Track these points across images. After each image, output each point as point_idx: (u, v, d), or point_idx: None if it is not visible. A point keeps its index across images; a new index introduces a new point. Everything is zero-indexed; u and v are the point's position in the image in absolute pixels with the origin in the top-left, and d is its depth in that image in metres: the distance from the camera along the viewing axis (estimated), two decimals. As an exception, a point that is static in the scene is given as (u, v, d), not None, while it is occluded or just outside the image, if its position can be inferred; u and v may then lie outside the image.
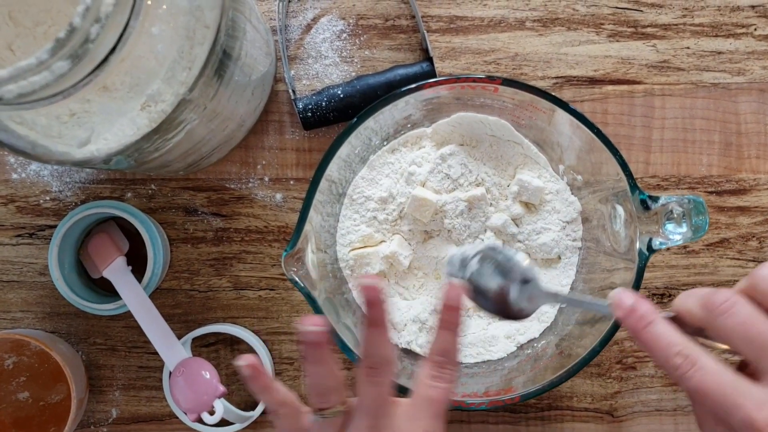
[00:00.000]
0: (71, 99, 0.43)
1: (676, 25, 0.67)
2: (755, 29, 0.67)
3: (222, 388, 0.60)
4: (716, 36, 0.67)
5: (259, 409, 0.65)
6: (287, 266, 0.52)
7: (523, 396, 0.53)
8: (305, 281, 0.52)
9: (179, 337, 0.65)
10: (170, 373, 0.63)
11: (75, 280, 0.66)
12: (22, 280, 0.68)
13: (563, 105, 0.54)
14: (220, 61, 0.49)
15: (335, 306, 0.58)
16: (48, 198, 0.68)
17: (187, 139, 0.53)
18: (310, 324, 0.42)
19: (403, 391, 0.54)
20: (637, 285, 0.53)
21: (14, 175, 0.68)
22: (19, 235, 0.68)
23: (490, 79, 0.53)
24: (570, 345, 0.59)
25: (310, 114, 0.64)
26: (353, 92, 0.64)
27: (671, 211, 0.51)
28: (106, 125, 0.45)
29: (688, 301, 0.41)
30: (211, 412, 0.60)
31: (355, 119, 0.54)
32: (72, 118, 0.47)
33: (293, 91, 0.65)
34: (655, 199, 0.52)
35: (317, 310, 0.53)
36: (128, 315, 0.66)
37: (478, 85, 0.54)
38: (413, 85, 0.54)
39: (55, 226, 0.67)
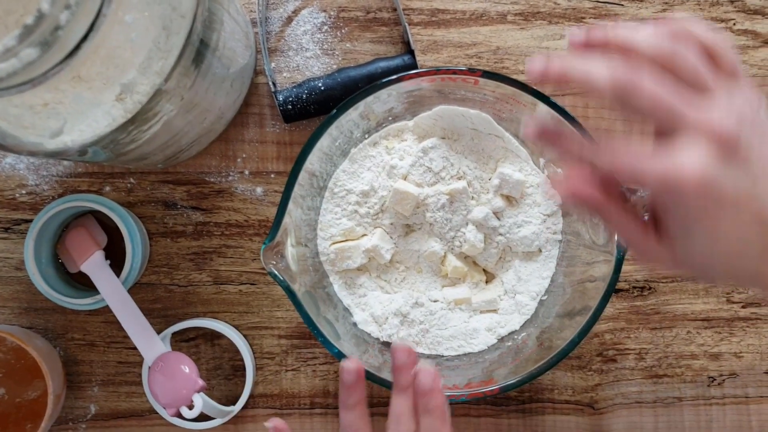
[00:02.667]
0: (44, 88, 0.43)
1: (656, 19, 0.67)
2: (734, 24, 0.67)
3: (201, 382, 0.60)
4: (696, 30, 0.67)
5: (240, 403, 0.65)
6: (266, 259, 0.52)
7: (503, 387, 0.53)
8: (284, 274, 0.52)
9: (158, 332, 0.64)
10: (149, 368, 0.63)
11: (52, 275, 0.65)
12: (-1, 275, 0.67)
13: (544, 98, 0.54)
14: (197, 51, 0.48)
15: (315, 299, 0.57)
16: (24, 192, 0.67)
17: (164, 131, 0.52)
18: (350, 366, 0.48)
19: (385, 386, 0.53)
20: (615, 277, 0.53)
21: (-10, 169, 0.67)
22: (-5, 230, 0.67)
23: (471, 71, 0.53)
24: (550, 337, 0.59)
25: (290, 107, 0.64)
26: (334, 85, 0.64)
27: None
28: (80, 116, 0.45)
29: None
30: (190, 407, 0.60)
31: (335, 111, 0.54)
32: (45, 108, 0.46)
33: (273, 84, 0.65)
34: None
35: (296, 303, 0.52)
36: (107, 310, 0.65)
37: (459, 77, 0.54)
38: (393, 77, 0.53)
39: (31, 221, 0.66)
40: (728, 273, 0.41)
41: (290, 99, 0.64)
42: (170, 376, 0.60)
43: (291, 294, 0.52)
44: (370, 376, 0.54)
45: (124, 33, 0.41)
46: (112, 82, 0.44)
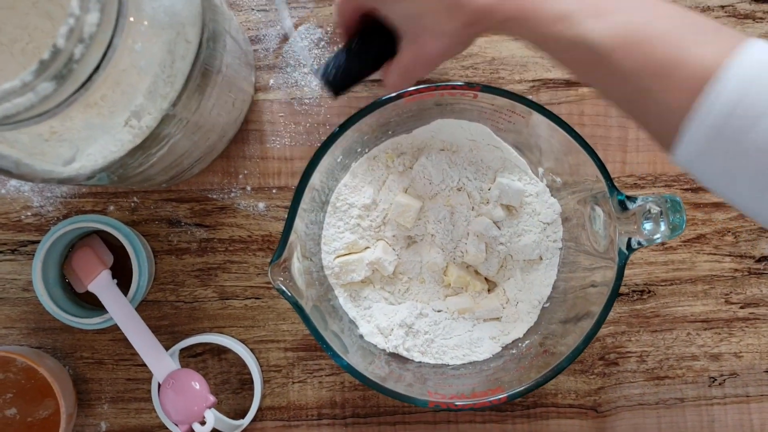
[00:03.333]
0: (53, 118, 0.43)
1: (648, 26, 0.68)
2: (725, 29, 0.69)
3: (212, 398, 0.61)
4: (687, 36, 0.68)
5: (249, 417, 0.65)
6: (274, 276, 0.53)
7: (510, 396, 0.54)
8: (292, 290, 0.53)
9: (166, 349, 0.65)
10: (159, 384, 0.63)
11: (60, 295, 0.66)
12: (6, 297, 0.68)
13: (540, 109, 0.55)
14: (202, 74, 0.49)
15: (323, 314, 0.58)
16: (29, 213, 0.68)
17: (170, 153, 0.53)
18: None
19: (391, 395, 0.54)
20: (617, 283, 0.54)
21: (-6, 192, 0.67)
22: (0, 252, 0.68)
23: (469, 86, 0.54)
24: (554, 343, 0.60)
25: (334, 72, 0.56)
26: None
27: (649, 211, 0.52)
28: (89, 142, 0.45)
29: None
30: (202, 423, 0.60)
31: (338, 129, 0.54)
32: (53, 135, 0.47)
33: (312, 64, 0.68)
34: (633, 200, 0.53)
35: (305, 319, 0.53)
36: (114, 328, 0.66)
37: (458, 92, 0.55)
38: (394, 94, 0.54)
39: (37, 242, 0.67)
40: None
41: (331, 68, 0.56)
42: (182, 393, 0.61)
43: (299, 309, 0.53)
44: (376, 386, 0.55)
45: (133, 60, 0.42)
46: (121, 108, 0.44)
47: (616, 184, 0.54)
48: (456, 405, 0.54)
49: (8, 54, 0.49)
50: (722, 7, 0.69)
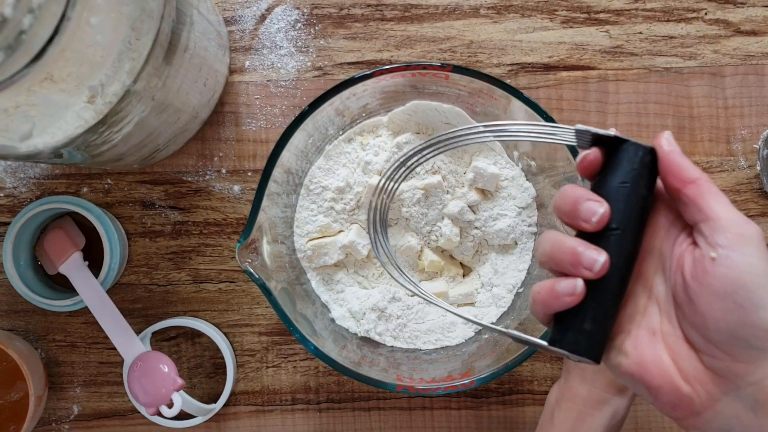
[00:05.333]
0: (14, 91, 0.43)
1: (628, 10, 0.68)
2: (706, 13, 0.68)
3: (180, 381, 0.60)
4: (668, 21, 0.68)
5: (221, 401, 0.65)
6: (241, 257, 0.52)
7: (479, 380, 0.54)
8: (260, 272, 0.52)
9: (139, 332, 0.64)
10: (129, 367, 0.63)
11: (31, 277, 0.65)
12: (-23, 278, 0.67)
13: (514, 92, 0.54)
14: (167, 51, 0.48)
15: (292, 296, 0.58)
16: (1, 194, 0.67)
17: (137, 131, 0.52)
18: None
19: (365, 381, 0.54)
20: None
21: (-34, 172, 0.67)
22: (-28, 233, 0.67)
23: (441, 66, 0.54)
24: (529, 328, 0.59)
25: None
26: None
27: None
28: (50, 118, 0.45)
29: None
30: (170, 406, 0.60)
31: (307, 107, 0.54)
32: (17, 110, 0.46)
33: None
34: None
35: (271, 301, 0.53)
36: (87, 311, 0.65)
37: (429, 72, 0.54)
38: (366, 72, 0.54)
39: (8, 223, 0.66)
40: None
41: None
42: (149, 376, 0.60)
43: (266, 291, 0.52)
44: (348, 372, 0.54)
45: (90, 35, 0.41)
46: (82, 84, 0.44)
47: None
48: (422, 389, 0.53)
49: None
50: (703, -9, 0.68)
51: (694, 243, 0.37)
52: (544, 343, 0.39)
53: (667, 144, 0.37)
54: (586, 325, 0.37)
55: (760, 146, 0.67)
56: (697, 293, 0.36)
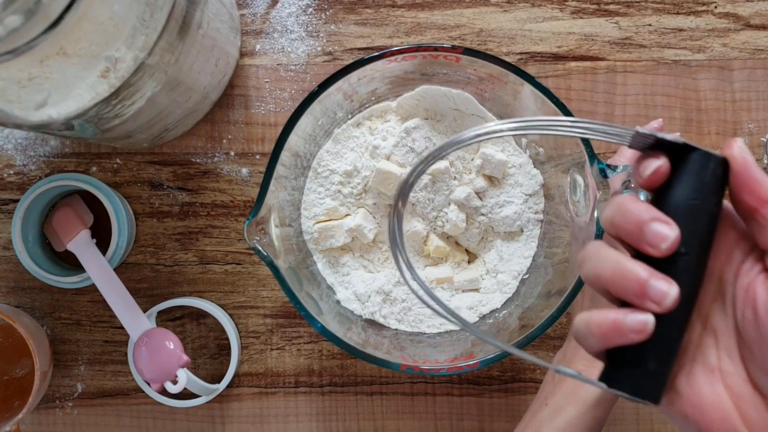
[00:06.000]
0: (29, 61, 0.43)
1: (638, 2, 0.68)
2: (715, 7, 0.68)
3: (185, 358, 0.61)
4: (677, 13, 0.68)
5: (225, 382, 0.65)
6: (250, 235, 0.52)
7: (482, 362, 0.54)
8: (268, 250, 0.53)
9: (144, 311, 0.65)
10: (134, 343, 0.63)
11: (39, 254, 0.65)
12: (-14, 255, 0.68)
13: (526, 76, 0.55)
14: (180, 27, 0.49)
15: (299, 276, 0.58)
16: (11, 172, 0.67)
17: (148, 107, 0.53)
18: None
19: (370, 361, 0.54)
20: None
21: (-23, 149, 0.67)
22: (-18, 209, 0.68)
23: (453, 48, 0.54)
24: (532, 317, 0.59)
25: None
26: None
27: (629, 180, 0.52)
28: (64, 89, 0.45)
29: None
30: (175, 382, 0.60)
31: (317, 88, 0.54)
32: (31, 82, 0.46)
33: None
34: (614, 168, 0.52)
35: (279, 278, 0.53)
36: (93, 289, 0.66)
37: (441, 54, 0.54)
38: (376, 54, 0.54)
39: (18, 201, 0.66)
40: None
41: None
42: (155, 352, 0.60)
43: (274, 269, 0.53)
44: (353, 351, 0.55)
45: (108, 5, 0.42)
46: (96, 56, 0.44)
47: (600, 158, 0.54)
48: (428, 369, 0.54)
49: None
50: (713, -16, 0.68)
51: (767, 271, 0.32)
52: (604, 385, 0.34)
53: (741, 155, 0.32)
54: (651, 364, 0.33)
55: (767, 140, 0.67)
56: None
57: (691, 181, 0.33)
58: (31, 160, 0.67)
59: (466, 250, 0.65)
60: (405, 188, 0.37)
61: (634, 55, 0.68)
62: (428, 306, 0.40)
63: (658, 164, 0.33)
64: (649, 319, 0.32)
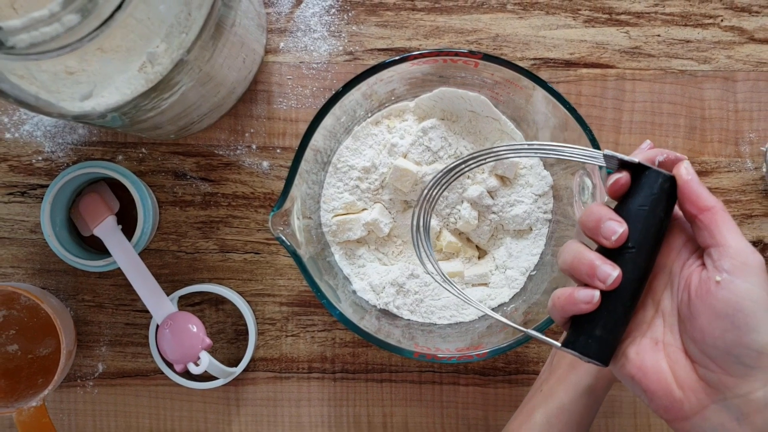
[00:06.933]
0: (72, 56, 0.46)
1: (648, 13, 0.71)
2: (722, 20, 0.71)
3: (208, 340, 0.63)
4: (685, 25, 0.71)
5: (242, 365, 0.68)
6: (274, 225, 0.55)
7: (491, 351, 0.57)
8: (291, 240, 0.55)
9: (167, 295, 0.67)
10: (157, 327, 0.66)
11: (66, 238, 0.68)
12: (13, 237, 0.70)
13: (540, 82, 0.57)
14: (216, 27, 0.51)
15: (318, 266, 0.61)
16: (40, 158, 0.70)
17: (180, 102, 0.55)
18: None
19: (383, 347, 0.57)
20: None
21: (7, 135, 0.70)
22: (11, 193, 0.70)
23: (472, 53, 0.57)
24: (537, 311, 0.62)
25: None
26: None
27: None
28: (106, 82, 0.48)
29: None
30: (196, 364, 0.63)
31: (341, 88, 0.57)
32: (70, 75, 0.49)
33: None
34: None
35: (301, 266, 0.56)
36: (116, 273, 0.68)
37: (460, 59, 0.57)
38: (397, 57, 0.56)
39: (46, 186, 0.69)
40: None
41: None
42: (179, 335, 0.63)
43: (297, 257, 0.55)
44: (369, 337, 0.57)
45: (151, 6, 0.44)
46: (136, 52, 0.47)
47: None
48: (439, 357, 0.56)
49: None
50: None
51: (703, 265, 0.41)
52: (558, 344, 0.44)
53: (685, 173, 0.41)
54: (598, 331, 0.42)
55: (767, 149, 0.70)
56: (700, 311, 0.40)
57: (642, 193, 0.42)
58: (59, 147, 0.70)
59: (477, 246, 0.68)
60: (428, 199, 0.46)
61: (643, 63, 0.71)
62: (456, 296, 0.47)
63: (618, 177, 0.42)
64: (595, 294, 0.41)
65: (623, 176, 0.42)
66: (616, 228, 0.41)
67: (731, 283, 0.39)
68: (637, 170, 0.42)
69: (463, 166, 0.49)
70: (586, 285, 0.42)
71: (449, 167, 0.48)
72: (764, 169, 0.70)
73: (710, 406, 0.40)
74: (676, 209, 0.43)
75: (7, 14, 0.49)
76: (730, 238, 0.40)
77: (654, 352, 0.42)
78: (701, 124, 0.71)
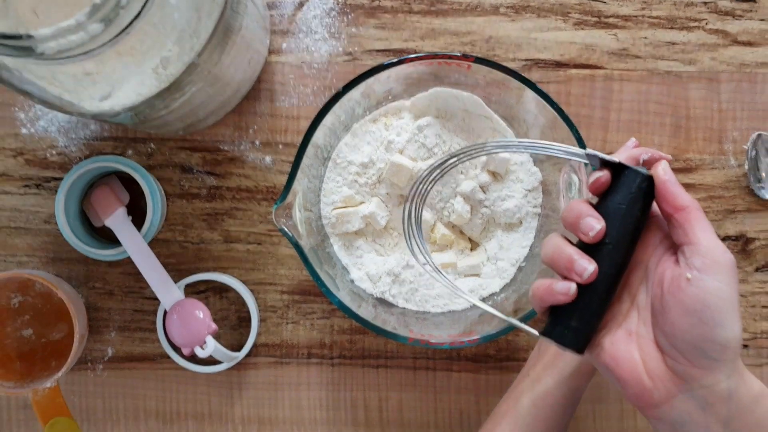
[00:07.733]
0: (92, 59, 0.49)
1: (635, 16, 0.74)
2: (706, 23, 0.74)
3: (214, 326, 0.67)
4: (671, 28, 0.74)
5: (245, 350, 0.72)
6: (277, 218, 0.58)
7: (483, 337, 0.60)
8: (293, 231, 0.59)
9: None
10: (165, 313, 0.70)
11: (78, 228, 0.71)
12: (29, 227, 0.74)
13: (529, 84, 0.61)
14: (224, 32, 0.55)
15: (318, 256, 0.64)
16: (54, 152, 0.73)
17: (189, 101, 0.59)
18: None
19: (380, 333, 0.60)
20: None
21: (23, 130, 0.73)
22: (26, 186, 0.73)
23: (465, 57, 0.60)
24: (526, 301, 0.65)
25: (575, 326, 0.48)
26: None
27: None
28: (122, 83, 0.51)
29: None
30: (203, 348, 0.67)
31: (341, 89, 0.60)
32: (88, 77, 0.52)
33: None
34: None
35: (303, 257, 0.59)
36: (126, 262, 0.72)
37: (454, 62, 0.60)
38: (395, 59, 0.60)
39: (59, 179, 0.72)
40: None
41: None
42: (186, 320, 0.67)
43: (298, 248, 0.59)
44: (366, 324, 0.61)
45: (166, 14, 0.48)
46: (151, 55, 0.50)
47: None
48: (431, 342, 0.60)
49: (52, 1, 0.54)
50: (705, 3, 0.74)
51: (677, 262, 0.43)
52: (536, 332, 0.46)
53: (663, 173, 0.43)
54: (574, 322, 0.44)
55: (748, 147, 0.74)
56: (671, 306, 0.42)
57: (621, 191, 0.44)
58: (72, 142, 0.73)
59: (470, 238, 0.71)
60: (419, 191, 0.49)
61: (630, 65, 0.74)
62: (444, 285, 0.50)
63: (599, 176, 0.45)
64: (572, 286, 0.44)
65: (604, 175, 0.45)
66: (594, 225, 0.44)
67: (701, 280, 0.41)
68: (617, 169, 0.45)
69: (454, 160, 0.52)
70: (566, 277, 0.45)
71: (437, 162, 0.51)
72: (746, 167, 0.74)
73: (678, 395, 0.43)
74: (655, 207, 0.45)
75: (29, 19, 0.53)
76: (703, 237, 0.42)
77: (627, 342, 0.44)
78: (686, 123, 0.74)
